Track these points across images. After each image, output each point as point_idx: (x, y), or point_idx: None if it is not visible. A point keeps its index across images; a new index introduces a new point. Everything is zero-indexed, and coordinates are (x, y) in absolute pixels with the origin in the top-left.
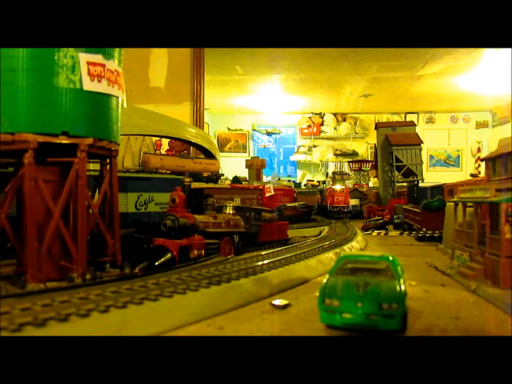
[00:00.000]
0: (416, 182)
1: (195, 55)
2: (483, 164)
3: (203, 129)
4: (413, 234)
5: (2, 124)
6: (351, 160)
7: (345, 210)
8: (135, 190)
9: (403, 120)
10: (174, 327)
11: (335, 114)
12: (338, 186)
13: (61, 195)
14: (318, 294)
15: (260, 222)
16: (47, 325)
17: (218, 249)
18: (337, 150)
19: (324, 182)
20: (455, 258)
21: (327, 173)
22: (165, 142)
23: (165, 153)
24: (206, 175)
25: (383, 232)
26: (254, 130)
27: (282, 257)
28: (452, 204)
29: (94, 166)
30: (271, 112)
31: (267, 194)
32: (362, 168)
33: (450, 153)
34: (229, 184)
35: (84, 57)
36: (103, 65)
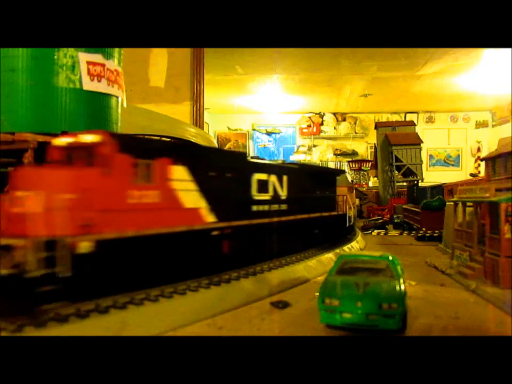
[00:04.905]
0: (416, 182)
1: (195, 55)
2: (483, 164)
3: (203, 129)
4: (412, 234)
5: (2, 124)
6: (350, 159)
7: None
8: None
9: (403, 119)
10: (174, 327)
11: (335, 114)
12: None
13: None
14: (318, 294)
15: None
16: (47, 325)
17: None
18: (337, 149)
19: None
20: (455, 258)
21: None
22: None
23: None
24: None
25: (383, 231)
26: (254, 130)
27: (282, 257)
28: (452, 203)
29: None
30: (271, 112)
31: None
32: (362, 167)
33: (450, 153)
34: None
35: (83, 57)
36: (102, 65)
